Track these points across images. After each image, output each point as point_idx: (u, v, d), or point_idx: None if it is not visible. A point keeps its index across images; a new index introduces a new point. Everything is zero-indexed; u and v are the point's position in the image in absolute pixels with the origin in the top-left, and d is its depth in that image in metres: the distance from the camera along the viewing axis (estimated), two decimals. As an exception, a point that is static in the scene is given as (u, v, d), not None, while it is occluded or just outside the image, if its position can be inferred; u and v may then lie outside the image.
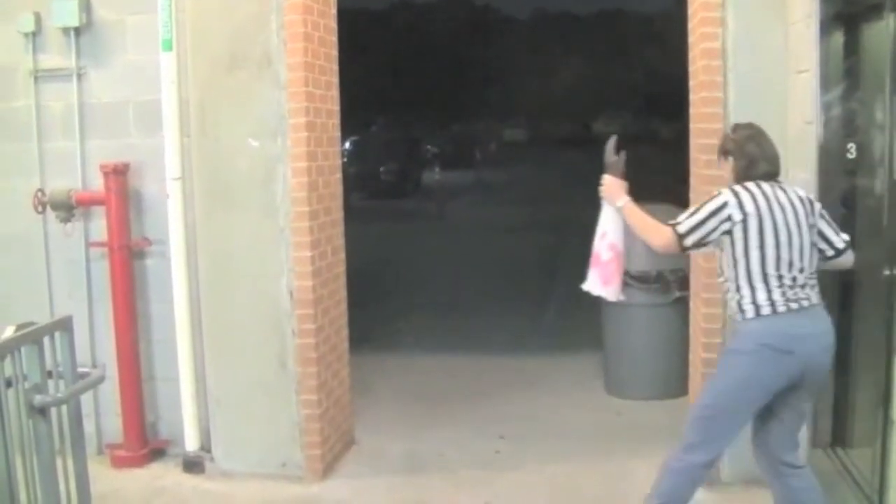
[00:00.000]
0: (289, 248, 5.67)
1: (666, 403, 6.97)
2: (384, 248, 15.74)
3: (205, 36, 5.69)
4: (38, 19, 6.01)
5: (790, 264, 4.16)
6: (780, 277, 4.16)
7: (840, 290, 4.74)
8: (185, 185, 5.78)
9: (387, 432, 6.63)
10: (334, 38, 6.05)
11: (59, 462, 3.62)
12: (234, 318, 5.81)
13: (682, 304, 6.65)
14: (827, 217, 4.33)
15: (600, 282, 4.75)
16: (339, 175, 6.19)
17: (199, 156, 5.77)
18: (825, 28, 4.55)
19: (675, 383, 6.90)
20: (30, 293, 6.16)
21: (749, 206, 4.16)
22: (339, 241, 6.21)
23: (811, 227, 4.22)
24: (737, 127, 4.51)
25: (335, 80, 6.10)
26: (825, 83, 4.56)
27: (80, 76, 6.03)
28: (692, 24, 5.54)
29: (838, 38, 4.66)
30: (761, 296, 4.17)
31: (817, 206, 4.29)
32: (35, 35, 6.03)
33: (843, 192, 4.76)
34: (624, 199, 4.57)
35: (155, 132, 5.81)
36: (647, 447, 6.16)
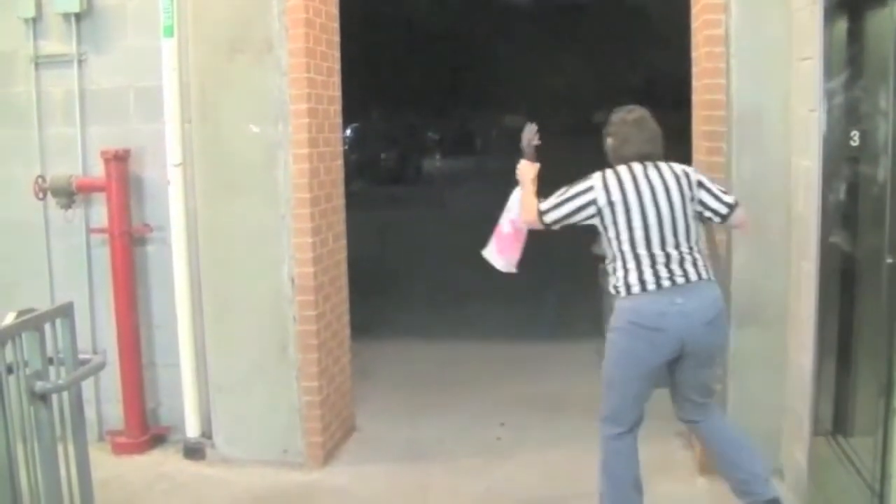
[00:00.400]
0: (290, 235, 5.66)
1: (666, 391, 6.91)
2: (385, 236, 15.73)
3: (206, 22, 5.67)
4: (38, 5, 5.99)
5: (662, 242, 4.35)
6: (651, 256, 4.36)
7: (842, 278, 4.73)
8: (185, 171, 5.78)
9: (388, 419, 6.64)
10: (336, 25, 6.03)
11: (60, 448, 3.62)
12: (235, 305, 5.81)
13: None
14: (708, 185, 4.51)
15: (497, 251, 5.04)
16: (340, 161, 6.18)
17: (200, 142, 5.75)
18: (829, 15, 4.53)
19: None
20: (30, 279, 6.16)
21: (615, 191, 4.39)
22: (341, 227, 6.21)
23: (691, 200, 4.41)
24: (619, 109, 4.72)
25: (337, 66, 6.08)
26: (828, 70, 4.54)
27: (80, 62, 6.01)
28: (695, 11, 5.51)
29: (842, 25, 4.64)
30: (633, 275, 4.39)
31: (695, 178, 4.48)
32: (35, 21, 6.01)
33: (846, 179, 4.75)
34: (529, 180, 4.81)
35: (156, 118, 5.80)
36: (647, 434, 6.14)
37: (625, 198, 4.38)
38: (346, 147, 6.35)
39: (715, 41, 5.18)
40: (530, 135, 4.98)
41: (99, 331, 6.12)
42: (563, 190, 4.54)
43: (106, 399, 6.19)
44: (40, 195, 6.02)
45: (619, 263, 4.46)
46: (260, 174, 5.67)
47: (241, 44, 5.60)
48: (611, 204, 4.40)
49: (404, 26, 29.10)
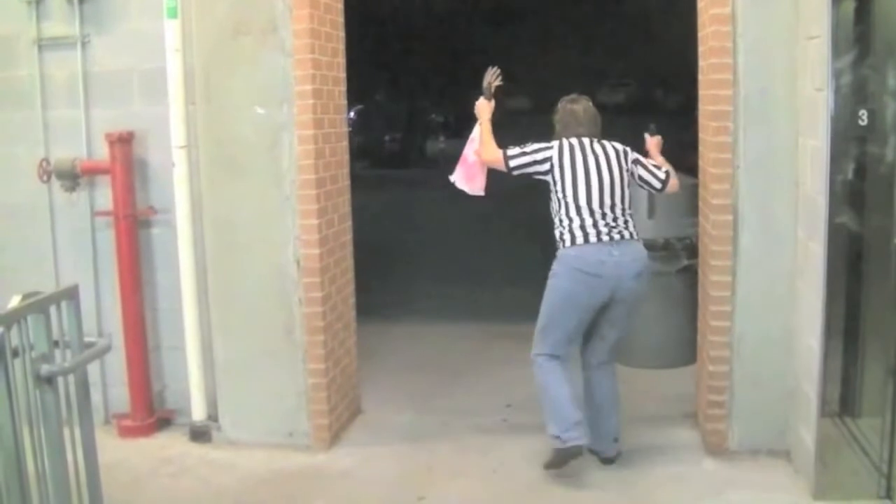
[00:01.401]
0: (295, 217, 5.64)
1: (673, 372, 6.97)
2: (390, 217, 15.72)
3: (209, 3, 5.65)
4: (41, -13, 5.97)
5: (601, 202, 5.20)
6: (592, 212, 5.20)
7: (849, 259, 4.71)
8: (190, 153, 5.76)
9: (393, 401, 6.63)
10: (340, 5, 6.00)
11: (66, 432, 3.61)
12: (240, 287, 5.80)
13: (690, 273, 6.63)
14: (643, 161, 5.45)
15: (465, 178, 5.70)
16: (345, 143, 6.15)
17: (205, 124, 5.74)
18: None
19: (682, 352, 6.91)
20: (35, 263, 6.15)
21: (567, 155, 5.29)
22: (346, 209, 6.19)
23: (626, 171, 5.33)
24: (562, 99, 5.61)
25: (341, 47, 6.06)
26: (836, 49, 4.51)
27: (83, 44, 5.98)
28: (702, -10, 5.49)
29: (849, 3, 4.61)
30: (577, 228, 5.21)
31: (631, 156, 5.40)
32: (38, 3, 5.98)
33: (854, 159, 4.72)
34: (486, 118, 5.61)
35: (160, 100, 5.78)
36: (653, 415, 6.17)
37: (573, 162, 5.27)
38: (351, 129, 6.31)
39: (721, 20, 5.15)
40: (491, 76, 5.71)
41: (104, 314, 6.12)
42: (528, 144, 5.40)
43: (112, 382, 6.18)
44: (44, 178, 6.01)
45: (564, 217, 5.26)
46: (265, 156, 5.65)
47: (245, 25, 5.57)
48: (562, 165, 5.28)
49: (408, 8, 29.01)
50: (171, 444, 5.98)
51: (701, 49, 5.59)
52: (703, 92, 5.56)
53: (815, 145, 4.74)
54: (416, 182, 22.82)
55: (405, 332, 8.56)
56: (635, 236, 5.29)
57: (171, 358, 6.15)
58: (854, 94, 4.54)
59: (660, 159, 5.61)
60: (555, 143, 5.35)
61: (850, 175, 4.60)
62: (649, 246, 6.95)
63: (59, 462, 3.54)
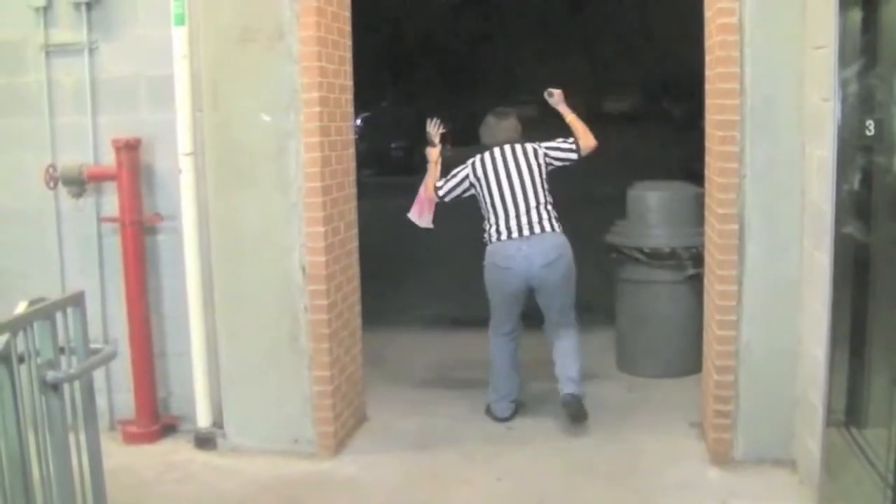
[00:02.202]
0: (301, 224, 5.65)
1: (678, 381, 6.96)
2: (396, 225, 15.69)
3: (217, 10, 5.66)
4: (49, -7, 5.98)
5: (514, 203, 6.08)
6: (506, 213, 6.09)
7: (856, 269, 4.70)
8: (196, 160, 5.77)
9: (399, 408, 6.63)
10: (348, 13, 6.01)
11: (71, 438, 3.62)
12: (246, 294, 5.80)
13: (696, 282, 6.62)
14: (552, 145, 6.28)
15: (416, 214, 6.70)
16: (352, 150, 6.16)
17: (211, 131, 5.74)
18: (843, 3, 4.49)
19: (688, 361, 6.90)
20: (41, 269, 6.16)
21: (479, 169, 6.24)
22: (352, 216, 6.19)
23: (539, 167, 6.19)
24: (490, 111, 6.59)
25: (348, 54, 6.06)
26: (843, 59, 4.51)
27: (91, 50, 5.99)
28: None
29: (857, 13, 4.60)
30: (493, 228, 6.15)
31: (541, 150, 6.25)
32: (46, 9, 5.99)
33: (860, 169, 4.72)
34: (433, 161, 6.52)
35: (167, 107, 5.78)
36: (658, 424, 6.16)
37: (485, 173, 6.21)
38: (357, 136, 6.34)
39: (729, 30, 5.15)
40: (434, 128, 6.54)
41: (110, 320, 6.12)
42: (451, 174, 6.39)
43: (117, 388, 6.19)
44: (51, 184, 6.02)
45: (488, 219, 6.21)
46: (271, 163, 5.65)
47: (253, 32, 5.58)
48: (477, 178, 6.24)
49: (414, 16, 29.06)
50: (175, 450, 5.98)
51: (707, 58, 5.59)
52: (710, 101, 5.55)
53: (821, 155, 4.73)
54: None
55: (410, 339, 8.57)
56: (551, 229, 6.10)
57: (176, 364, 6.15)
58: (861, 104, 4.53)
59: (569, 113, 6.43)
60: (469, 163, 6.32)
61: (856, 185, 4.60)
62: (656, 255, 7.01)
63: (64, 468, 3.54)
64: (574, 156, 6.26)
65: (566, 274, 6.15)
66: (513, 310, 6.30)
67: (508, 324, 6.37)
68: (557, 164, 6.27)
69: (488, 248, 6.20)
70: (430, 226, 6.70)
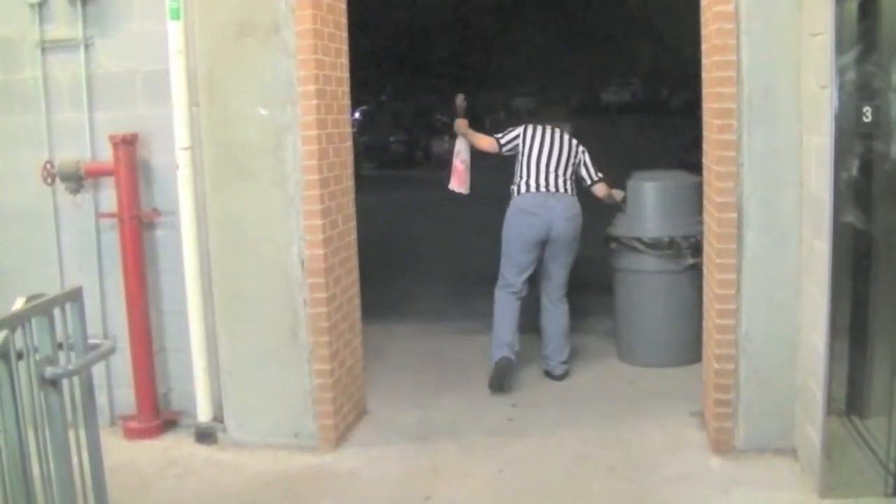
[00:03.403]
0: (299, 217, 5.64)
1: (678, 370, 6.96)
2: (396, 217, 15.73)
3: (212, 4, 5.64)
4: (44, -11, 5.97)
5: (548, 166, 7.05)
6: (538, 171, 7.05)
7: (855, 257, 4.70)
8: (194, 154, 5.76)
9: (399, 401, 6.63)
10: (343, 6, 6.00)
11: (71, 434, 3.61)
12: (245, 288, 5.80)
13: (695, 271, 6.62)
14: (587, 159, 7.30)
15: (457, 183, 7.52)
16: (349, 143, 6.15)
17: (208, 125, 5.74)
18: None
19: (688, 350, 6.91)
20: (40, 265, 6.16)
21: (529, 133, 7.23)
22: (350, 209, 6.19)
23: (574, 154, 7.20)
24: (543, 105, 8.94)
25: (344, 47, 6.05)
26: (840, 46, 4.50)
27: (87, 46, 5.98)
28: (705, -12, 5.48)
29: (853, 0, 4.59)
30: (524, 181, 7.10)
31: (580, 148, 7.27)
32: (41, 5, 5.98)
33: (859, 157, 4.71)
34: (467, 130, 7.49)
35: (163, 102, 5.78)
36: (659, 414, 6.16)
37: (533, 137, 7.20)
38: (356, 130, 6.36)
39: (725, 17, 5.14)
40: (461, 102, 7.60)
41: (109, 316, 6.11)
42: (507, 130, 7.39)
43: (117, 384, 6.19)
44: (49, 180, 6.01)
45: (521, 174, 7.14)
46: (269, 157, 5.65)
47: (248, 26, 5.57)
48: (525, 139, 7.22)
49: (412, 8, 28.99)
50: (176, 445, 5.97)
51: (704, 47, 5.58)
52: (707, 90, 5.55)
53: (819, 142, 4.73)
54: (422, 182, 22.82)
55: (410, 332, 8.56)
56: (571, 193, 7.08)
57: (176, 359, 6.15)
58: (858, 90, 4.52)
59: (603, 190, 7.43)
60: (521, 126, 7.34)
61: (854, 172, 4.59)
62: (655, 245, 7.01)
63: (65, 464, 3.53)
64: (587, 182, 7.33)
65: (576, 232, 7.07)
66: (528, 260, 7.06)
67: (519, 277, 7.09)
68: (582, 170, 7.28)
69: (517, 198, 7.11)
70: (468, 190, 7.55)
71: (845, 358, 4.76)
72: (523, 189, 7.07)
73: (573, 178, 7.14)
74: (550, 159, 7.07)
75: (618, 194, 7.42)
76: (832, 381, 4.67)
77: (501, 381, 6.82)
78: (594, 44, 34.53)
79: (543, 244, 7.01)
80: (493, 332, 7.12)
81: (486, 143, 7.41)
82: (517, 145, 7.23)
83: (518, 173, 7.16)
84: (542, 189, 7.00)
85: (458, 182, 7.54)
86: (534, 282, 7.26)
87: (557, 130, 7.25)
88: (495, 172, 8.52)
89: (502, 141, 7.33)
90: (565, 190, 7.04)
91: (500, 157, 7.37)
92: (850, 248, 4.64)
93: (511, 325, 7.06)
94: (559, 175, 7.04)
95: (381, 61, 28.04)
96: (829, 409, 4.67)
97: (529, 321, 7.30)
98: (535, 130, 7.22)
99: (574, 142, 7.24)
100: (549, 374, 7.14)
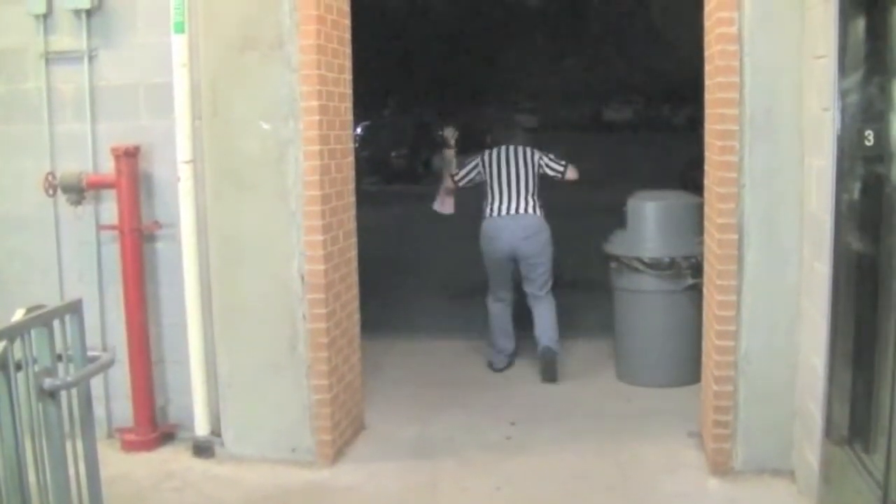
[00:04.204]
0: (300, 232, 5.64)
1: (677, 390, 6.95)
2: (397, 233, 15.71)
3: (216, 18, 5.66)
4: (48, 1, 5.97)
5: (508, 189, 7.62)
6: (500, 196, 7.64)
7: (854, 279, 4.69)
8: (196, 167, 5.76)
9: (398, 417, 6.62)
10: (347, 21, 6.01)
11: (68, 445, 3.61)
12: (244, 302, 5.80)
13: (695, 292, 6.62)
14: (546, 158, 7.79)
15: (441, 206, 8.34)
16: (351, 159, 6.16)
17: (211, 138, 5.74)
18: (843, 12, 4.49)
19: (687, 371, 6.90)
20: (40, 276, 6.16)
21: (486, 161, 7.77)
22: (351, 225, 6.19)
23: (534, 166, 7.69)
24: (499, 120, 8.74)
25: (348, 63, 6.07)
26: (843, 69, 4.51)
27: (91, 58, 5.99)
28: (708, 9, 5.49)
29: (857, 22, 4.60)
30: (488, 207, 7.69)
31: (538, 158, 7.74)
32: (46, 17, 6.00)
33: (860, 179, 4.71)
34: (449, 163, 8.81)
35: (166, 115, 5.78)
36: (658, 433, 6.15)
37: (491, 164, 7.74)
38: (357, 145, 6.37)
39: (728, 39, 5.15)
40: (450, 134, 8.88)
41: (108, 328, 6.10)
42: (465, 165, 8.03)
43: (115, 396, 6.18)
44: (50, 192, 6.02)
45: (487, 200, 7.71)
46: (270, 171, 5.65)
47: (252, 40, 5.58)
48: (485, 167, 7.77)
49: (414, 24, 29.07)
50: (173, 458, 5.96)
51: (707, 68, 5.59)
52: (710, 111, 5.56)
53: (820, 164, 4.73)
54: (423, 197, 22.79)
55: (409, 348, 8.55)
56: (533, 212, 7.60)
57: (174, 372, 6.14)
58: (860, 113, 4.53)
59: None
60: (479, 155, 7.89)
61: (855, 195, 4.59)
62: (655, 265, 7.01)
63: (62, 476, 3.53)
64: (559, 176, 7.81)
65: (542, 247, 7.63)
66: (504, 276, 7.81)
67: (502, 290, 7.86)
68: (548, 171, 7.76)
69: (483, 222, 7.72)
70: (452, 211, 8.29)
71: (844, 380, 4.74)
72: (487, 214, 7.70)
73: (536, 192, 7.67)
74: (510, 182, 7.65)
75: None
76: (831, 404, 4.66)
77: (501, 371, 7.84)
78: (597, 62, 34.61)
79: (513, 259, 7.68)
80: (491, 340, 7.95)
81: (449, 182, 8.24)
82: (477, 175, 7.88)
83: (485, 197, 7.78)
84: (504, 213, 7.61)
85: (441, 203, 8.38)
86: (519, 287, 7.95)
87: (517, 149, 7.79)
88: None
89: (457, 179, 8.10)
90: (525, 210, 7.59)
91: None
92: (850, 270, 4.64)
93: (506, 332, 7.90)
94: (520, 195, 7.61)
95: (384, 76, 28.07)
96: (828, 432, 4.66)
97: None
98: (493, 155, 7.79)
99: (532, 154, 7.77)
100: (542, 355, 7.57)
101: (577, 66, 35.97)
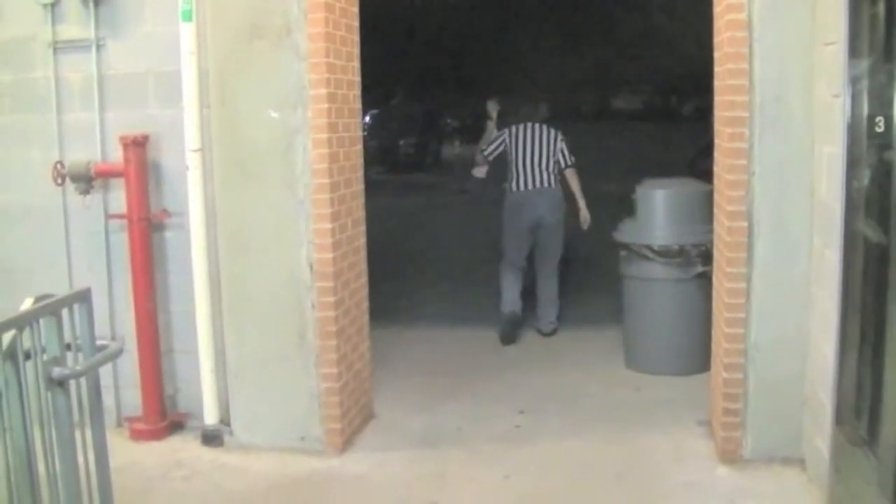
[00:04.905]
0: (309, 220, 5.64)
1: (686, 379, 6.94)
2: (406, 221, 15.71)
3: (224, 6, 5.65)
4: (56, -10, 5.98)
5: (532, 164, 8.34)
6: (525, 170, 8.35)
7: (864, 266, 4.67)
8: (204, 156, 5.76)
9: (406, 406, 6.62)
10: (355, 10, 6.00)
11: (77, 434, 3.61)
12: (253, 291, 5.80)
13: (704, 279, 6.61)
14: (564, 146, 8.45)
15: (476, 170, 8.95)
16: (359, 147, 6.15)
17: (219, 127, 5.74)
18: (853, -1, 4.46)
19: (696, 359, 6.89)
20: (49, 265, 6.16)
21: (512, 136, 8.45)
22: (360, 213, 6.18)
23: (554, 144, 8.40)
24: (523, 101, 9.13)
25: (356, 51, 6.05)
26: (853, 55, 4.48)
27: (99, 47, 5.99)
28: (717, -4, 5.47)
29: (867, 8, 4.57)
30: (514, 181, 8.41)
31: (559, 139, 8.44)
32: (54, 6, 5.99)
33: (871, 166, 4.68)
34: (489, 133, 9.06)
35: (174, 103, 5.78)
36: (667, 422, 6.14)
37: (516, 139, 8.42)
38: (366, 133, 6.36)
39: (737, 26, 5.13)
40: (494, 107, 9.22)
41: (117, 317, 6.12)
42: (493, 138, 8.70)
43: (124, 385, 6.18)
44: (59, 181, 6.01)
45: (512, 173, 8.42)
46: (279, 159, 5.65)
47: (260, 28, 5.57)
48: (510, 142, 8.44)
49: (423, 13, 29.04)
50: (182, 447, 5.97)
51: (716, 55, 5.56)
52: (719, 98, 5.53)
53: (831, 151, 4.71)
54: (432, 186, 22.81)
55: (418, 337, 8.56)
56: (552, 186, 8.39)
57: (183, 361, 6.15)
58: (871, 100, 4.50)
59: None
60: (505, 130, 8.58)
61: (866, 182, 4.56)
62: (665, 252, 7.00)
63: (71, 465, 3.54)
64: (562, 165, 8.47)
65: (561, 217, 8.48)
66: (522, 245, 8.52)
67: (517, 259, 8.56)
68: (559, 156, 8.44)
69: (509, 195, 8.49)
70: (483, 176, 8.94)
71: (854, 367, 4.72)
72: (514, 188, 8.43)
73: (555, 168, 8.40)
74: (534, 158, 8.35)
75: (584, 218, 8.60)
76: (842, 392, 4.65)
77: (510, 332, 8.39)
78: (606, 51, 34.56)
79: (534, 229, 8.41)
80: (501, 297, 8.60)
81: (479, 157, 8.90)
82: (503, 150, 8.51)
83: (509, 172, 8.45)
84: (529, 187, 8.36)
85: (478, 171, 8.97)
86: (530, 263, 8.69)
87: (538, 126, 8.49)
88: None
89: (486, 154, 8.72)
90: (549, 184, 8.37)
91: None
92: (860, 257, 4.61)
93: (515, 290, 8.55)
94: (542, 171, 8.34)
95: (392, 65, 28.04)
96: (838, 420, 4.65)
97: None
98: (517, 132, 8.47)
99: (553, 134, 8.46)
100: (539, 331, 8.56)
101: (586, 55, 35.89)
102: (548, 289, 8.62)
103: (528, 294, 8.71)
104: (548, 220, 8.38)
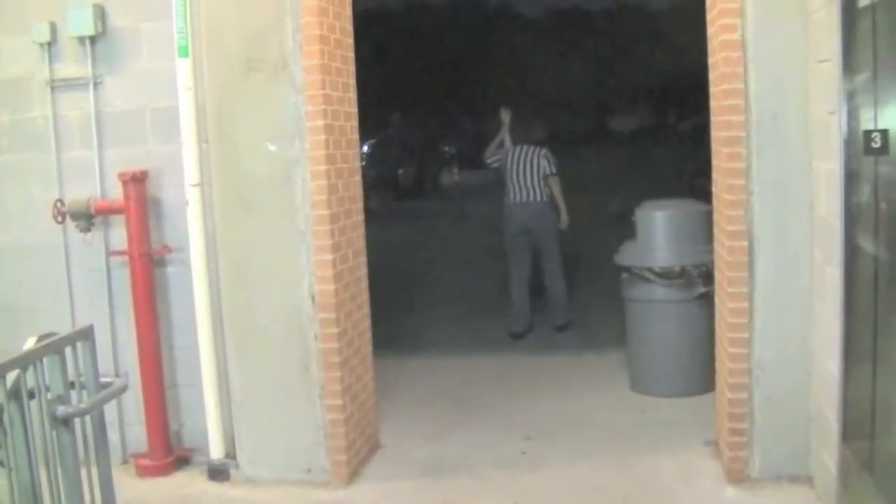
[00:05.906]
0: (310, 252, 5.64)
1: (691, 400, 6.92)
2: (406, 250, 15.71)
3: (220, 41, 5.67)
4: (53, 29, 6.00)
5: (523, 182, 9.56)
6: (516, 187, 9.59)
7: (866, 281, 4.67)
8: (203, 190, 5.77)
9: (412, 435, 6.60)
10: (350, 40, 6.03)
11: (83, 472, 3.61)
12: (255, 324, 5.79)
13: (706, 300, 6.60)
14: (550, 159, 9.70)
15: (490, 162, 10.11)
16: (358, 177, 6.16)
17: (218, 161, 5.75)
18: (846, 15, 4.48)
19: (700, 380, 6.88)
20: (51, 303, 6.16)
21: (510, 155, 9.71)
22: (360, 243, 6.19)
23: (540, 159, 9.61)
24: (518, 128, 10.16)
25: (352, 81, 6.08)
26: (848, 71, 4.50)
27: (96, 84, 6.02)
28: (711, 16, 5.49)
29: (860, 25, 4.59)
30: (509, 195, 9.65)
31: (543, 153, 9.68)
32: (50, 45, 6.03)
33: (868, 182, 4.68)
34: (502, 135, 10.22)
35: (172, 139, 5.81)
36: (673, 443, 6.12)
37: (511, 159, 9.68)
38: (364, 163, 6.36)
39: (731, 46, 5.15)
40: (506, 114, 10.19)
41: (120, 353, 6.11)
42: (499, 151, 9.99)
43: (129, 421, 6.18)
44: (59, 218, 6.03)
45: (507, 188, 9.68)
46: (278, 192, 5.66)
47: (256, 62, 5.60)
48: (506, 160, 9.72)
49: (418, 41, 29.15)
50: (189, 482, 5.96)
51: (712, 75, 5.59)
52: (716, 118, 5.55)
53: (828, 168, 4.72)
54: (433, 214, 22.80)
55: (422, 365, 8.53)
56: (541, 198, 9.61)
57: (187, 396, 6.14)
58: (867, 116, 4.51)
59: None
60: (507, 149, 9.86)
61: (864, 197, 4.57)
62: (666, 274, 7.00)
63: (77, 502, 3.53)
64: (546, 173, 9.66)
65: (549, 223, 9.72)
66: (521, 250, 9.72)
67: (521, 264, 9.72)
68: (544, 163, 9.66)
69: (506, 207, 9.75)
70: (496, 165, 10.02)
71: (860, 384, 4.72)
72: (508, 201, 9.73)
73: (542, 184, 9.64)
74: (525, 175, 9.61)
75: (563, 220, 9.85)
76: (847, 408, 4.64)
77: (519, 335, 9.53)
78: (603, 75, 34.69)
79: (527, 234, 9.64)
80: (509, 306, 9.73)
81: (487, 157, 10.27)
82: (501, 165, 9.87)
83: (505, 187, 9.77)
84: (521, 200, 9.63)
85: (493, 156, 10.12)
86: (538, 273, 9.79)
87: (529, 148, 9.77)
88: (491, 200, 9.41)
89: (487, 158, 10.23)
90: (534, 198, 9.62)
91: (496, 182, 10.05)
92: (862, 272, 4.61)
93: (523, 299, 9.67)
94: (532, 186, 9.60)
95: (388, 92, 28.13)
96: (845, 436, 4.64)
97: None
98: (513, 153, 9.77)
99: (542, 153, 9.73)
100: (557, 328, 9.66)
101: (582, 77, 36.03)
102: (557, 291, 9.75)
103: (536, 295, 9.84)
104: (534, 226, 9.63)
